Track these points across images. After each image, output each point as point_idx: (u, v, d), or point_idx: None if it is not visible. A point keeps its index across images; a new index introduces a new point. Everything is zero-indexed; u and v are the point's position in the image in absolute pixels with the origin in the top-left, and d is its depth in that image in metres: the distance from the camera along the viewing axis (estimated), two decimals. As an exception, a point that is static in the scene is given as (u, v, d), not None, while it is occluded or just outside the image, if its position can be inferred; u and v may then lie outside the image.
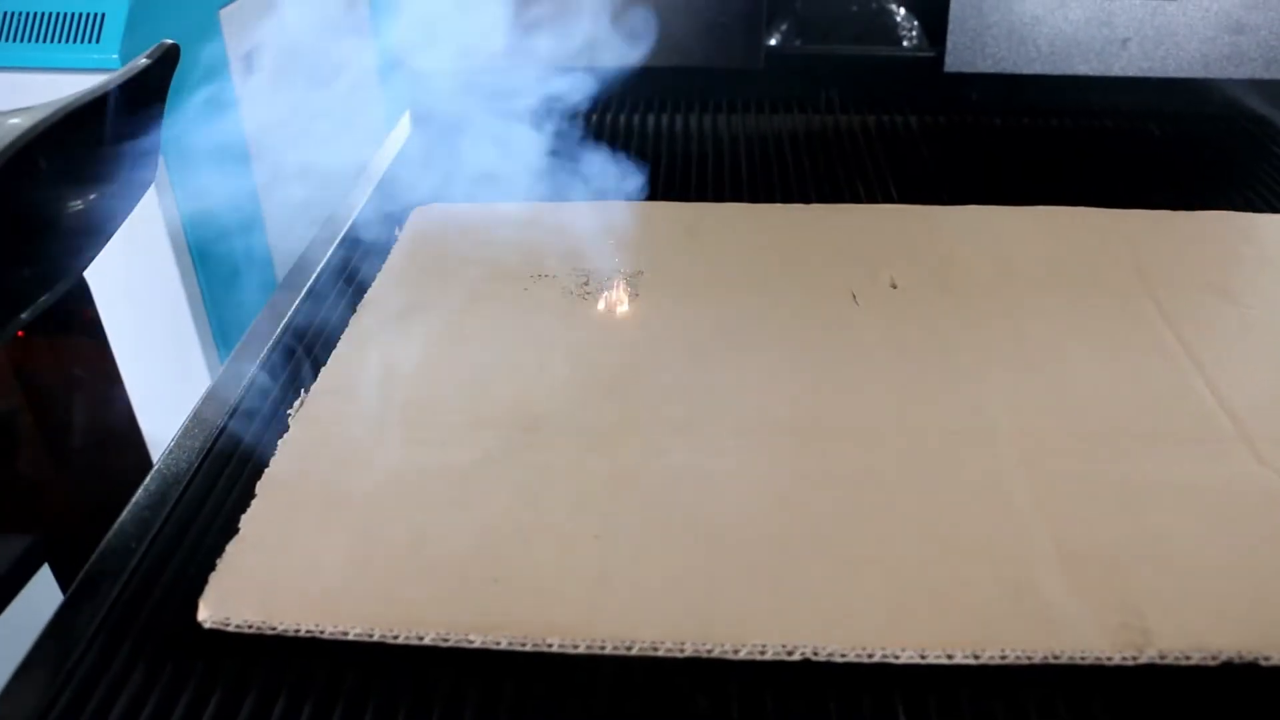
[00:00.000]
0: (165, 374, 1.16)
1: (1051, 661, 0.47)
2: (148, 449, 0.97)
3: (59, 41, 0.99)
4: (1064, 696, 0.47)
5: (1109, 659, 0.47)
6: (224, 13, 1.17)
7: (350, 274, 0.80)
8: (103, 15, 0.98)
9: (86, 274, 0.98)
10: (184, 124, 1.10)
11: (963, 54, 1.00)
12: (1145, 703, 0.47)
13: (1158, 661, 0.47)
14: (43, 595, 0.72)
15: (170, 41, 0.64)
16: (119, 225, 0.68)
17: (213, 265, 1.19)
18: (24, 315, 0.64)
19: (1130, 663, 0.47)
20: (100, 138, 0.61)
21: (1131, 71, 1.00)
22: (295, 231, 1.11)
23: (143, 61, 0.61)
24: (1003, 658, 0.48)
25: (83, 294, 0.98)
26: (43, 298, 0.63)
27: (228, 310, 1.23)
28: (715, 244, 0.81)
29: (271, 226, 1.31)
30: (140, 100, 0.62)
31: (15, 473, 0.84)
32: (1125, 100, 1.02)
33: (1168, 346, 0.69)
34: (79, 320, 0.97)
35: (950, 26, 1.00)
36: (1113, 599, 0.50)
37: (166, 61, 0.63)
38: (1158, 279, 0.76)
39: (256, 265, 1.29)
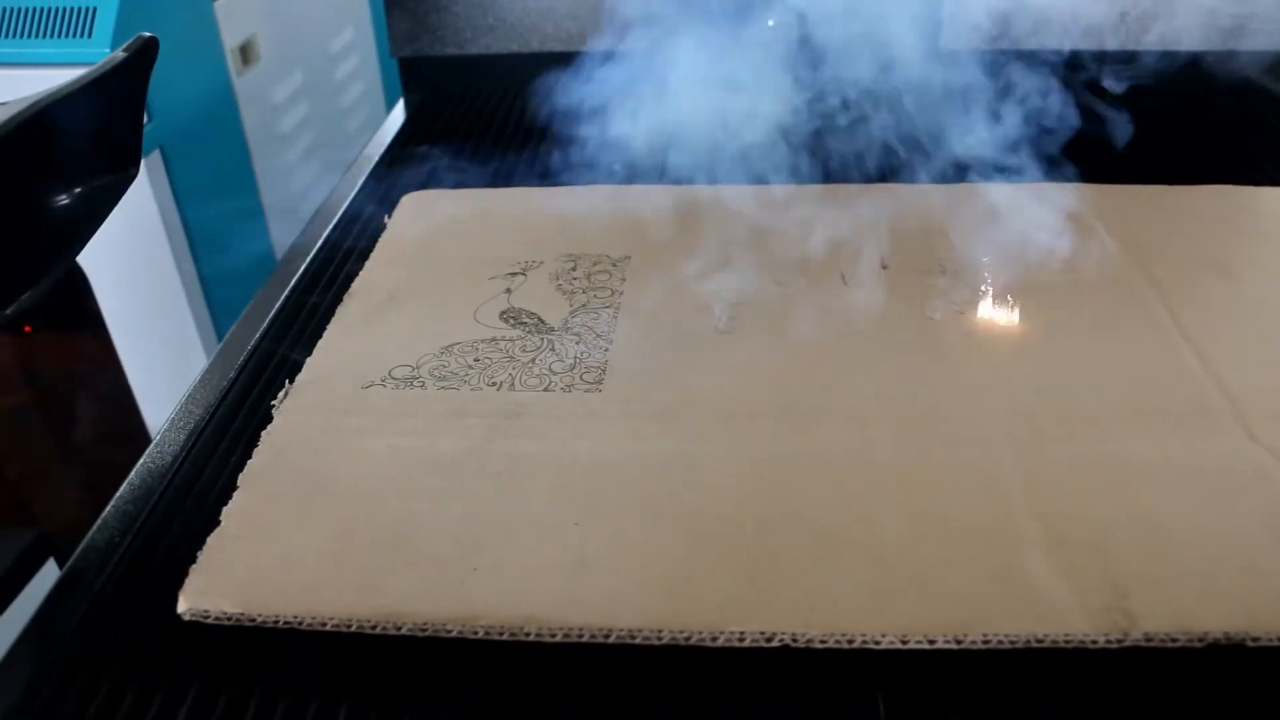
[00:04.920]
0: (167, 367, 1.16)
1: (1035, 645, 0.47)
2: (151, 442, 0.97)
3: (50, 37, 0.99)
4: (1048, 680, 0.46)
5: (1093, 642, 0.47)
6: (219, 4, 1.16)
7: (341, 261, 0.80)
8: (94, 10, 0.98)
9: (87, 270, 0.99)
10: (180, 117, 1.10)
11: (957, 29, 0.99)
12: (1131, 685, 0.46)
13: (1143, 644, 0.47)
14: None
15: (148, 35, 0.63)
16: (102, 221, 0.68)
17: (213, 257, 1.19)
18: (8, 311, 0.64)
19: (1115, 645, 0.47)
20: (77, 133, 0.61)
21: (1129, 45, 0.99)
22: (296, 221, 1.10)
23: (119, 55, 0.60)
24: (985, 642, 0.47)
25: (84, 289, 0.98)
26: (25, 294, 0.63)
27: (229, 302, 1.23)
28: (703, 227, 0.80)
29: (271, 216, 1.31)
30: (118, 94, 0.62)
31: (21, 467, 0.84)
32: (1123, 74, 1.00)
33: (1161, 323, 0.68)
34: (82, 315, 0.97)
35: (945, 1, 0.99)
36: (1098, 581, 0.49)
37: (144, 55, 0.62)
38: (1153, 254, 0.75)
39: (257, 256, 1.29)
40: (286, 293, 0.76)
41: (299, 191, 1.39)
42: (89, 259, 0.97)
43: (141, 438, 0.98)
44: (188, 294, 1.15)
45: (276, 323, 0.73)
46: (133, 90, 0.64)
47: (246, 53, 1.23)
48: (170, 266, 1.12)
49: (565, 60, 0.94)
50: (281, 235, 1.34)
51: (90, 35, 0.98)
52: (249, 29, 1.23)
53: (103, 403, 1.06)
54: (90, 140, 0.63)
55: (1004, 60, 0.86)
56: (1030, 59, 0.87)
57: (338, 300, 0.74)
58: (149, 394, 1.00)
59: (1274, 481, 0.55)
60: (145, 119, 1.03)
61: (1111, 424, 0.60)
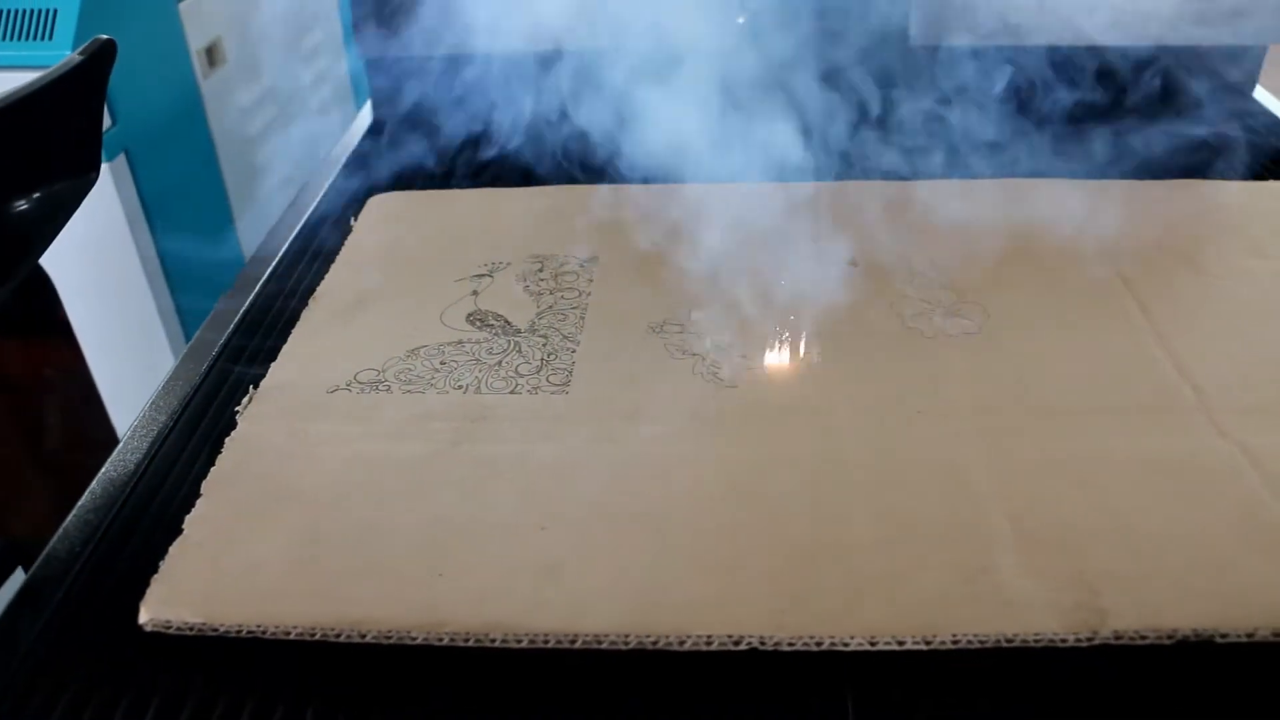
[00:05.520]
0: (136, 372, 1.15)
1: (1005, 645, 0.47)
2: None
3: (11, 39, 0.97)
4: (1018, 679, 0.46)
5: (1063, 640, 0.47)
6: (183, 6, 1.15)
7: (307, 265, 0.79)
8: (54, 11, 0.97)
9: (53, 275, 0.98)
10: (145, 120, 1.09)
11: (928, 27, 0.99)
12: (1100, 683, 0.46)
13: (1112, 641, 0.47)
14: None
15: (105, 37, 0.62)
16: (62, 225, 0.67)
17: (180, 262, 1.18)
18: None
19: (1085, 643, 0.46)
20: (33, 136, 0.60)
21: (1099, 40, 0.99)
22: (264, 224, 1.09)
23: (75, 58, 0.60)
24: (954, 642, 0.47)
25: (50, 295, 0.97)
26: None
27: (198, 306, 1.22)
28: (671, 226, 0.80)
29: (240, 219, 1.30)
30: (75, 98, 0.61)
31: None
32: (1092, 69, 1.00)
33: (1131, 317, 0.68)
34: (49, 321, 0.96)
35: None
36: (1068, 579, 0.49)
37: (102, 58, 0.61)
38: (1122, 248, 0.75)
39: (226, 260, 1.28)
40: (252, 297, 0.75)
41: (268, 194, 1.37)
42: (55, 265, 0.96)
43: (111, 443, 0.97)
44: (155, 299, 1.14)
45: (241, 327, 0.72)
46: (90, 93, 0.63)
47: (213, 55, 1.22)
48: (138, 271, 1.11)
49: (535, 60, 0.93)
50: (250, 238, 1.33)
51: (51, 38, 0.96)
52: (215, 31, 1.22)
53: (71, 409, 1.05)
54: (47, 144, 0.62)
55: (970, 57, 0.86)
56: (994, 55, 0.87)
57: (304, 304, 0.73)
58: (118, 399, 0.99)
59: (1243, 476, 0.55)
60: (109, 122, 1.02)
61: (1081, 420, 0.60)
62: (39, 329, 1.01)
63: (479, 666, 0.47)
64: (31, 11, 0.96)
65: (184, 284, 1.18)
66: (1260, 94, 1.03)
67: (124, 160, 1.06)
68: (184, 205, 1.17)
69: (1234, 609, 0.48)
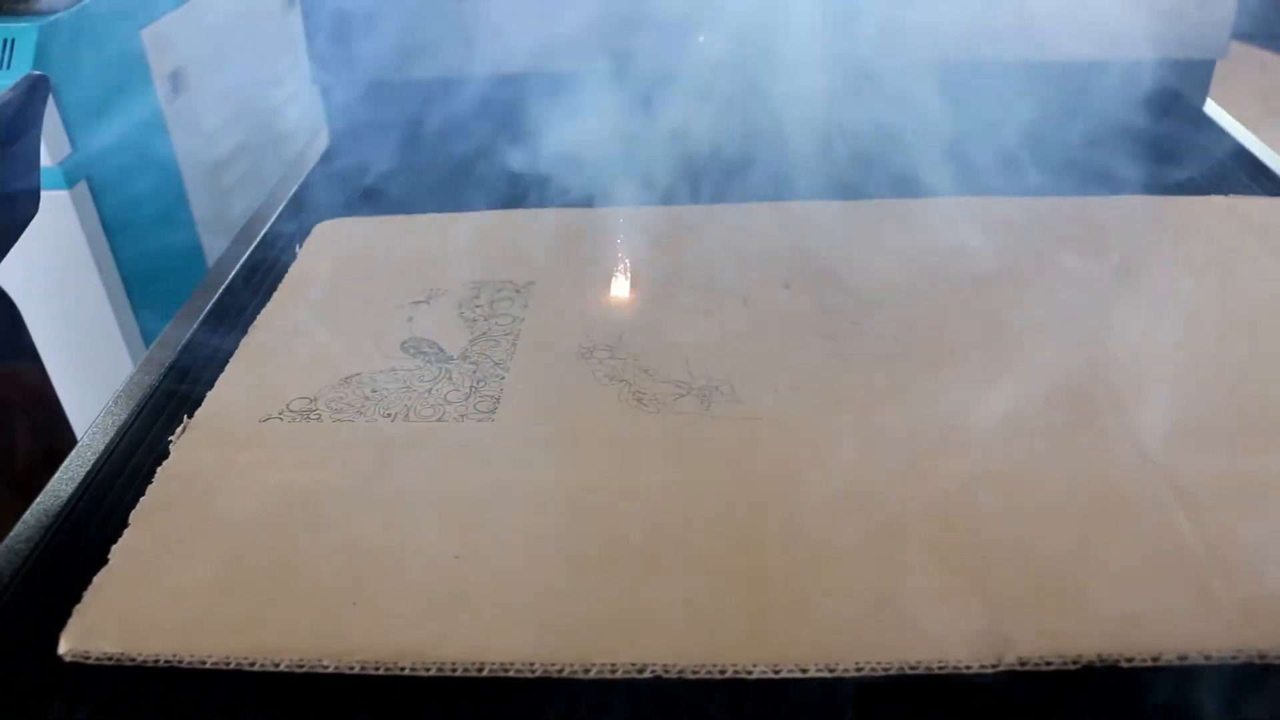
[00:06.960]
0: (103, 398, 1.15)
1: (908, 672, 0.47)
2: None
3: (-33, 70, 0.98)
4: (925, 706, 0.46)
5: (967, 667, 0.47)
6: (146, 32, 1.16)
7: (251, 293, 0.79)
8: (12, 42, 0.97)
9: (19, 303, 0.98)
10: (108, 148, 1.10)
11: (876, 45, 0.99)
12: (1010, 707, 0.46)
13: (1018, 668, 0.47)
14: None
15: (37, 73, 0.63)
16: (1, 256, 0.68)
17: (147, 289, 1.18)
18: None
19: (989, 670, 0.47)
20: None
21: (1041, 55, 0.99)
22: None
23: (6, 95, 0.60)
24: (858, 670, 0.47)
25: (16, 322, 0.98)
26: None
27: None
28: (610, 250, 0.80)
29: (208, 245, 1.31)
30: (8, 135, 0.61)
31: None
32: (1034, 85, 1.00)
33: (1061, 335, 0.68)
34: (15, 348, 0.97)
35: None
36: (976, 605, 0.49)
37: (34, 93, 0.62)
38: (1059, 265, 0.75)
39: (193, 285, 1.28)
40: (195, 325, 0.76)
41: (236, 219, 1.38)
42: (20, 289, 0.97)
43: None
44: (120, 324, 1.14)
45: (184, 356, 0.73)
46: (24, 130, 0.63)
47: (177, 80, 1.23)
48: (102, 296, 1.11)
49: (487, 85, 0.94)
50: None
51: (9, 67, 0.97)
52: (179, 56, 1.23)
53: (39, 433, 1.05)
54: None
55: (904, 73, 0.87)
56: (930, 71, 0.87)
57: (245, 332, 0.74)
58: (84, 423, 0.99)
59: (1161, 500, 0.55)
60: (68, 149, 1.03)
61: (1001, 440, 0.60)
62: (4, 353, 1.02)
63: (391, 695, 0.48)
64: (-12, 41, 0.97)
65: (150, 308, 1.19)
66: (1210, 107, 1.03)
67: (85, 188, 1.06)
68: (149, 231, 1.17)
69: (1139, 635, 0.48)
